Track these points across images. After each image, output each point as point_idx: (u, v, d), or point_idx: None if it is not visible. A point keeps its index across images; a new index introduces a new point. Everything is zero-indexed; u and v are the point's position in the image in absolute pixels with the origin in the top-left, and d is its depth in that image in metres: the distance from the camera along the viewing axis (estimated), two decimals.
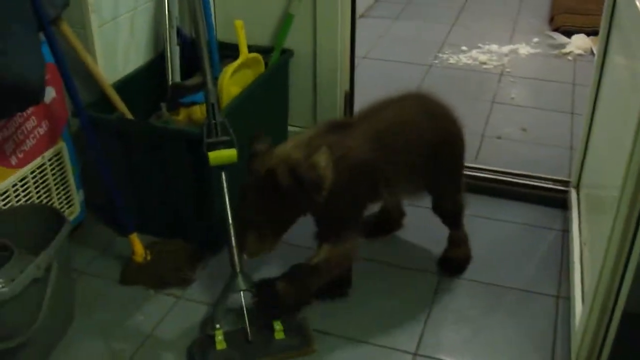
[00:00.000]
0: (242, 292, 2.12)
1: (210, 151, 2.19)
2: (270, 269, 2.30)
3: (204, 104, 2.37)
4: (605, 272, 1.75)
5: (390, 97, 2.20)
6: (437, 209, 2.36)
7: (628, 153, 1.61)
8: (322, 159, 1.93)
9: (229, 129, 2.24)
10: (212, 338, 2.06)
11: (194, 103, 2.61)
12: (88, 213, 2.60)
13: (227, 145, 2.22)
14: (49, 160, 2.33)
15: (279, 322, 2.10)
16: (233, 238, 2.16)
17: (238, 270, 2.14)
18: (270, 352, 2.06)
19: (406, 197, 2.38)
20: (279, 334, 2.08)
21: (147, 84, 2.67)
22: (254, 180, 1.95)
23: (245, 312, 2.09)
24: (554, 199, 2.76)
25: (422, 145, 2.13)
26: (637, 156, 1.59)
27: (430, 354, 2.09)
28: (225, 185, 2.21)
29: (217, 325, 2.07)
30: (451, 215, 2.38)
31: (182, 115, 2.61)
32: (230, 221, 2.17)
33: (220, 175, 2.22)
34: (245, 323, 2.08)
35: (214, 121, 2.23)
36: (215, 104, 2.25)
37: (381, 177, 2.07)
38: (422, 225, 2.59)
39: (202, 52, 2.33)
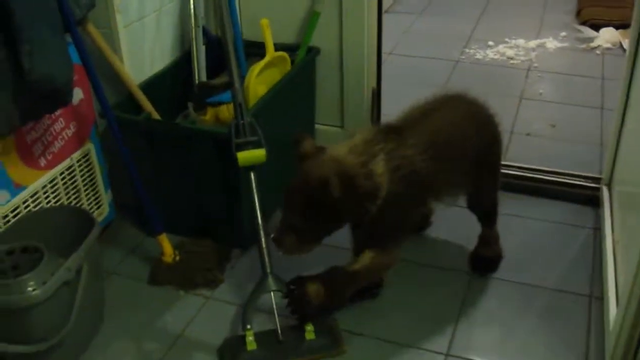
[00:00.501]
0: (272, 293, 2.12)
1: (239, 151, 2.18)
2: (302, 269, 2.29)
3: (231, 104, 2.36)
4: None
5: (433, 100, 2.17)
6: (473, 206, 2.33)
7: None
8: (380, 167, 1.91)
9: (257, 129, 2.23)
10: (242, 339, 2.05)
11: (220, 103, 2.60)
12: (117, 214, 2.61)
13: (256, 145, 2.21)
14: (78, 161, 2.34)
15: (309, 323, 2.08)
16: (263, 239, 2.15)
17: (268, 271, 2.14)
18: (300, 352, 2.05)
19: (448, 200, 2.35)
20: (310, 335, 2.07)
21: (173, 83, 2.67)
22: (304, 184, 1.90)
23: (275, 312, 2.09)
24: (585, 197, 2.72)
25: (469, 151, 2.13)
26: None
27: (462, 354, 2.07)
28: (254, 185, 2.21)
29: (248, 326, 2.06)
30: (487, 212, 2.36)
31: (209, 114, 2.61)
32: (260, 221, 2.17)
33: (249, 175, 2.21)
34: (276, 324, 2.07)
35: (242, 121, 2.22)
36: (242, 104, 2.24)
37: (432, 187, 2.05)
38: (451, 223, 2.57)
39: (228, 51, 2.32)
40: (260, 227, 2.17)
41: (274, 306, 2.10)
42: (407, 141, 1.98)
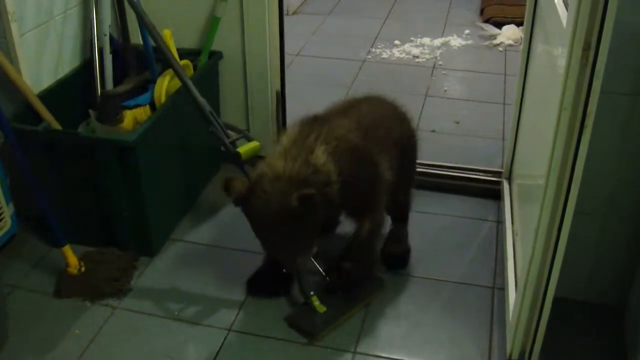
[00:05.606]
0: (313, 259, 2.23)
1: (237, 148, 2.32)
2: None
3: (147, 106, 2.56)
4: (535, 259, 1.79)
5: (352, 99, 2.32)
6: (389, 204, 2.36)
7: (551, 141, 1.63)
8: (321, 157, 1.96)
9: (236, 126, 2.39)
10: (309, 305, 2.18)
11: (137, 105, 2.60)
12: (20, 226, 2.55)
13: (246, 139, 2.40)
14: None
15: None
16: None
17: None
18: (358, 299, 2.25)
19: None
20: None
21: (75, 92, 2.63)
22: (274, 218, 1.91)
23: (323, 274, 2.28)
24: (488, 191, 2.79)
25: (393, 141, 2.22)
26: (559, 144, 1.62)
27: (369, 351, 2.10)
28: None
29: (312, 292, 2.18)
30: (403, 208, 2.45)
31: (128, 118, 2.57)
32: None
33: (243, 166, 2.34)
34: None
35: (218, 124, 2.33)
36: (212, 111, 2.35)
37: (379, 160, 2.12)
38: None
39: (172, 61, 2.42)
40: None
41: (320, 269, 2.28)
42: (336, 125, 2.06)
